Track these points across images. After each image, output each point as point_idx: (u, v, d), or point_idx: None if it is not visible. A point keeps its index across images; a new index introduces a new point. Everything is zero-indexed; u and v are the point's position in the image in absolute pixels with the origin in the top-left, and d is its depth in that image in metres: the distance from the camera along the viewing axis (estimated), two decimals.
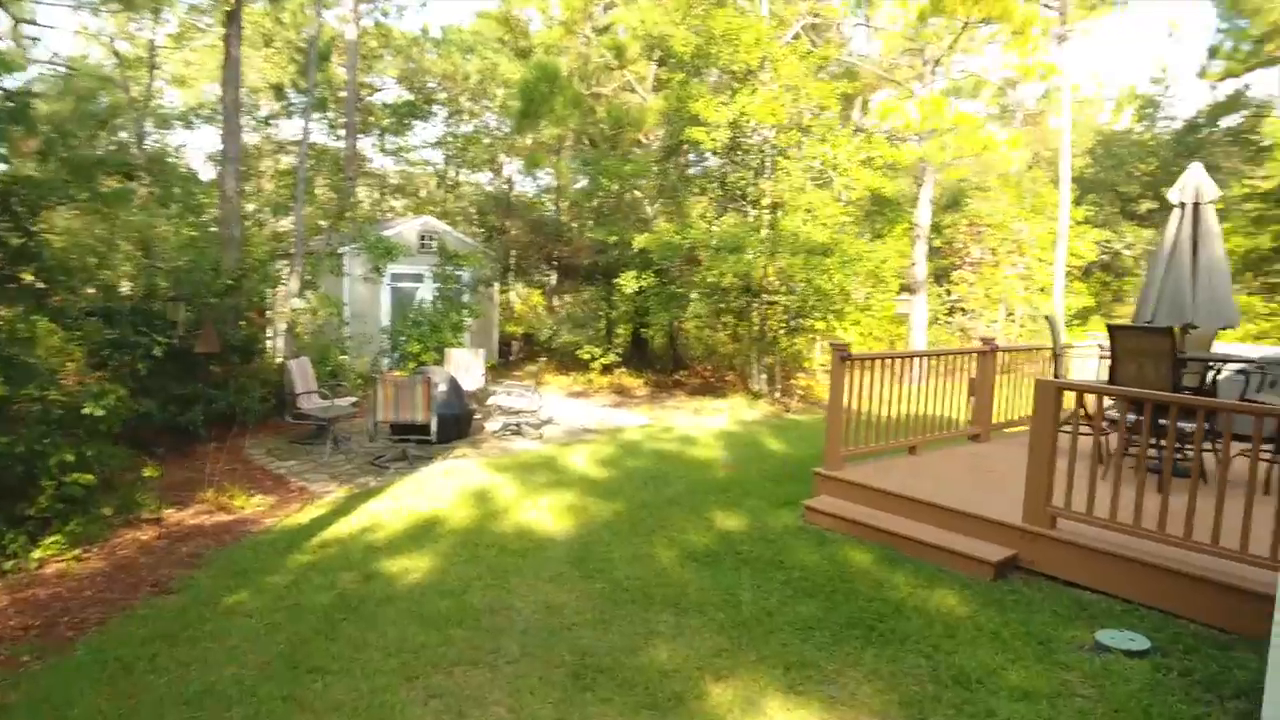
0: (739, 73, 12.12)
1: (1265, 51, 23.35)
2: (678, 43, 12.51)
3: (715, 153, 12.66)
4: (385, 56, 24.16)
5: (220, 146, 11.20)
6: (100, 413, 5.74)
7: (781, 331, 13.36)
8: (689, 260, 12.75)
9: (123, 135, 21.02)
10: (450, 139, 24.51)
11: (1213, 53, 26.41)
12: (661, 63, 14.68)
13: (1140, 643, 4.37)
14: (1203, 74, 26.36)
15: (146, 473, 6.38)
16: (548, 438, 10.58)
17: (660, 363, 17.26)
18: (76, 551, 5.57)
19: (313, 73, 11.26)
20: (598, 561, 5.72)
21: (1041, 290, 20.90)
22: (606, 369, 15.48)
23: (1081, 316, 22.62)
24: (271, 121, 22.25)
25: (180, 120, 20.26)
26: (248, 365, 10.93)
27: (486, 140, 23.83)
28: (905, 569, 5.54)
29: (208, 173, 23.56)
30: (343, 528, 6.45)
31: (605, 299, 16.14)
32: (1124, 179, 28.95)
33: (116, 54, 21.64)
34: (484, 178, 26.99)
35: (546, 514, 6.93)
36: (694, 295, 12.44)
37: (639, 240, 12.00)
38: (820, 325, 13.64)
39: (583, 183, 17.95)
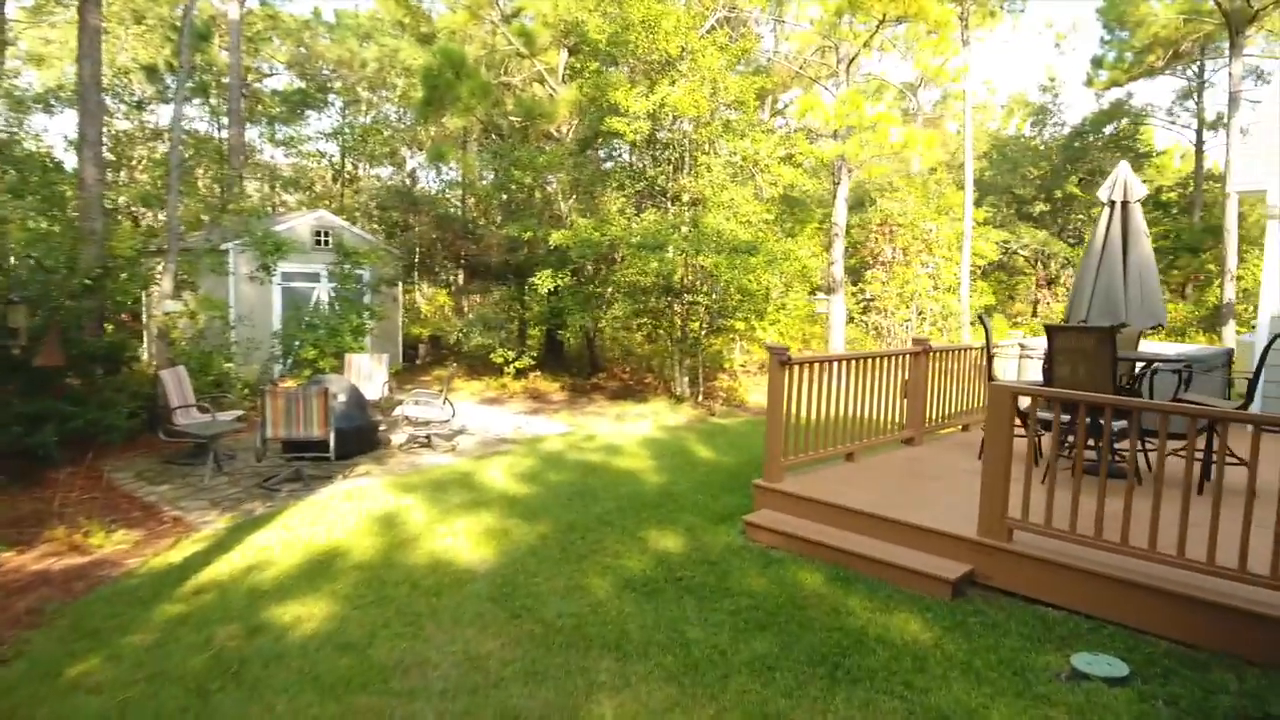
0: (657, 62, 11.60)
1: (1146, 62, 24.70)
2: (593, 29, 11.91)
3: (634, 145, 12.10)
4: (274, 40, 22.53)
5: (79, 129, 9.84)
6: None
7: (703, 333, 12.95)
8: (606, 259, 12.19)
9: None
10: (347, 130, 23.08)
11: (1097, 63, 27.88)
12: (574, 51, 14.05)
13: (1119, 668, 4.08)
14: (1089, 83, 27.73)
15: None
16: (461, 450, 9.79)
17: (577, 366, 16.62)
18: None
19: (186, 52, 10.05)
20: (525, 597, 5.06)
21: (949, 289, 21.35)
22: (520, 373, 14.72)
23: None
24: (146, 106, 20.32)
25: (38, 102, 18.20)
26: (114, 376, 9.66)
27: (387, 132, 22.55)
28: (859, 590, 5.13)
29: (73, 161, 21.39)
30: (223, 567, 5.55)
31: (518, 299, 15.37)
32: (1019, 182, 30.18)
33: None
34: (385, 172, 25.64)
35: (463, 540, 6.21)
36: (613, 295, 11.86)
37: (555, 237, 11.32)
38: (740, 325, 13.31)
39: (491, 177, 17.12)
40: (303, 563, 5.66)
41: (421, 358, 18.86)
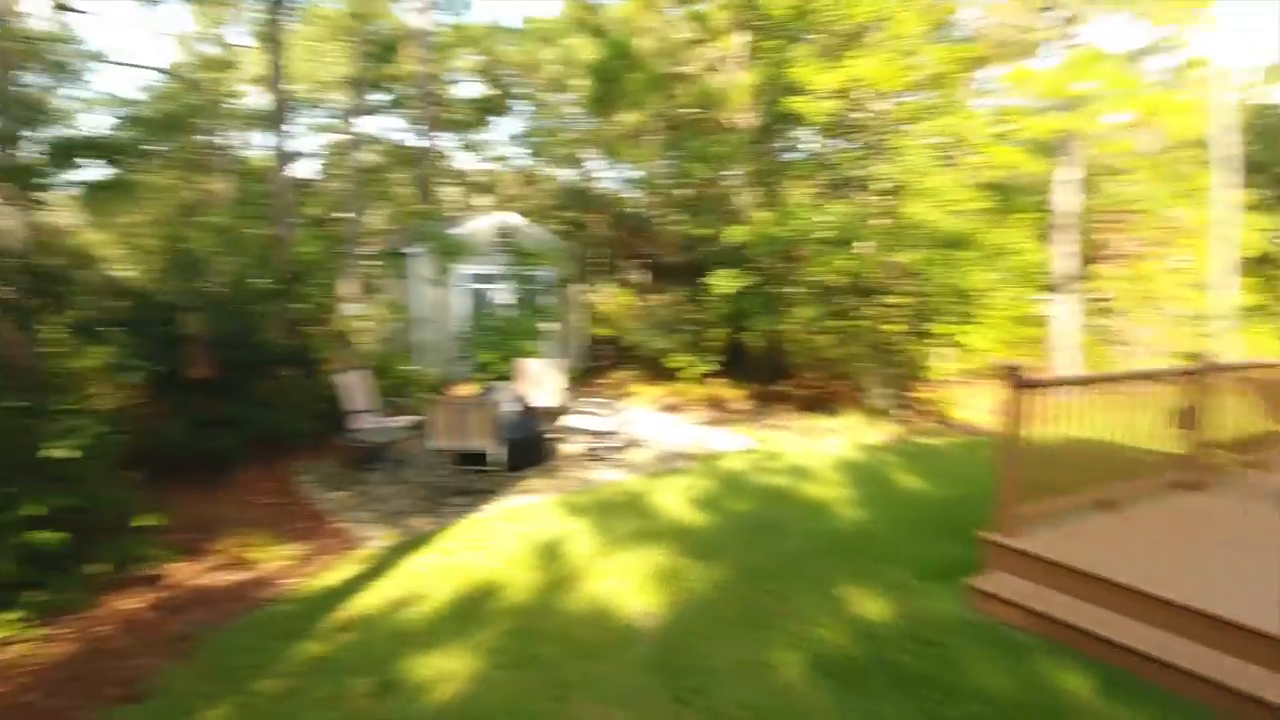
0: (845, 33, 10.23)
1: None
2: (773, 2, 10.71)
3: (820, 129, 10.83)
4: (461, 50, 23.24)
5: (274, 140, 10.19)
6: (61, 454, 4.55)
7: (905, 338, 11.44)
8: (790, 256, 11.03)
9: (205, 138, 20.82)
10: (531, 133, 23.35)
11: None
12: (753, 31, 12.89)
13: None
14: None
15: (147, 520, 5.22)
16: (633, 465, 9.08)
17: (761, 371, 15.52)
18: (45, 631, 4.39)
19: (364, 66, 10.14)
20: (694, 673, 4.16)
21: (1199, 287, 18.07)
22: (701, 378, 13.88)
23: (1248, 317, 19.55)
24: (350, 117, 21.59)
25: (252, 120, 19.81)
26: (305, 379, 9.87)
27: (567, 134, 22.57)
28: (1150, 708, 3.74)
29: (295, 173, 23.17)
30: (373, 598, 5.11)
31: (697, 300, 14.53)
32: None
33: (199, 56, 21.44)
34: (566, 173, 25.85)
35: (629, 582, 5.41)
36: (799, 296, 10.67)
37: (731, 233, 10.32)
38: (945, 330, 11.65)
39: (665, 172, 16.44)
40: (454, 599, 5.09)
41: (601, 360, 18.57)
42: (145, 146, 18.69)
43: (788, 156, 12.69)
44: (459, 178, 23.82)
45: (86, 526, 5.19)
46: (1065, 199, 13.22)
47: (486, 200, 24.44)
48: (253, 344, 8.34)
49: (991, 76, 12.48)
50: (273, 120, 10.07)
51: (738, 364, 15.79)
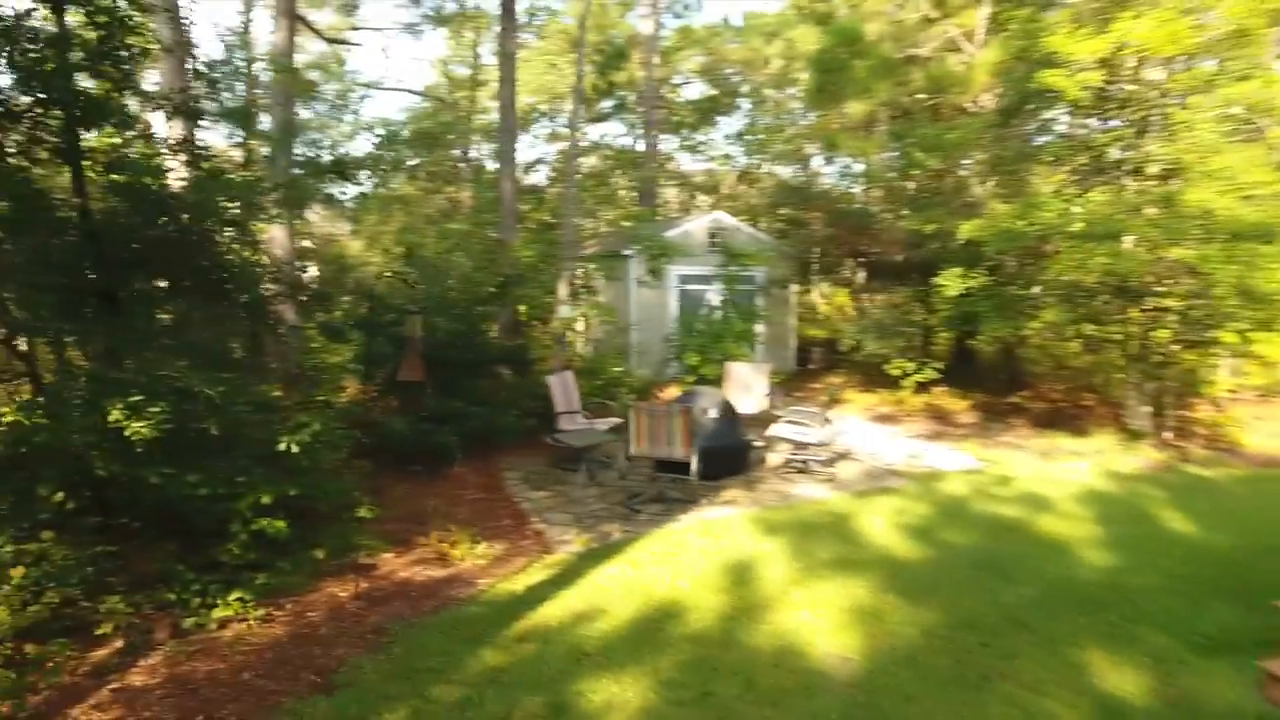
0: None
1: None
2: None
3: (1077, 105, 9.36)
4: (684, 52, 23.44)
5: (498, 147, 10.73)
6: (295, 449, 4.94)
7: (1177, 347, 9.69)
8: (1032, 253, 9.73)
9: (454, 152, 22.80)
10: (751, 131, 23.04)
11: None
12: (996, 1, 11.51)
13: None
14: None
15: (364, 513, 5.59)
16: (840, 481, 8.46)
17: (992, 380, 14.05)
18: (262, 612, 4.81)
19: (582, 71, 10.37)
20: None
21: None
22: (921, 387, 12.81)
23: None
24: (577, 127, 22.64)
25: (492, 133, 21.32)
26: (520, 378, 10.32)
27: (789, 129, 21.98)
28: None
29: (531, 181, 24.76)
30: (556, 609, 5.06)
31: (921, 301, 13.42)
32: None
33: (448, 77, 23.49)
34: (788, 170, 25.22)
35: (823, 618, 4.93)
36: (1042, 297, 9.35)
37: (965, 228, 9.25)
38: (1231, 339, 9.72)
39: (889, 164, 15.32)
40: (636, 618, 4.91)
41: (814, 362, 17.84)
42: (404, 162, 20.84)
43: (1034, 141, 11.19)
44: (679, 179, 24.09)
45: (310, 514, 5.65)
46: None
47: (706, 201, 24.49)
48: (474, 344, 8.80)
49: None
50: (501, 130, 10.61)
51: (963, 372, 14.41)
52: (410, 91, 23.30)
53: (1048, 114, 10.69)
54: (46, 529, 4.37)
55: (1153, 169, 9.06)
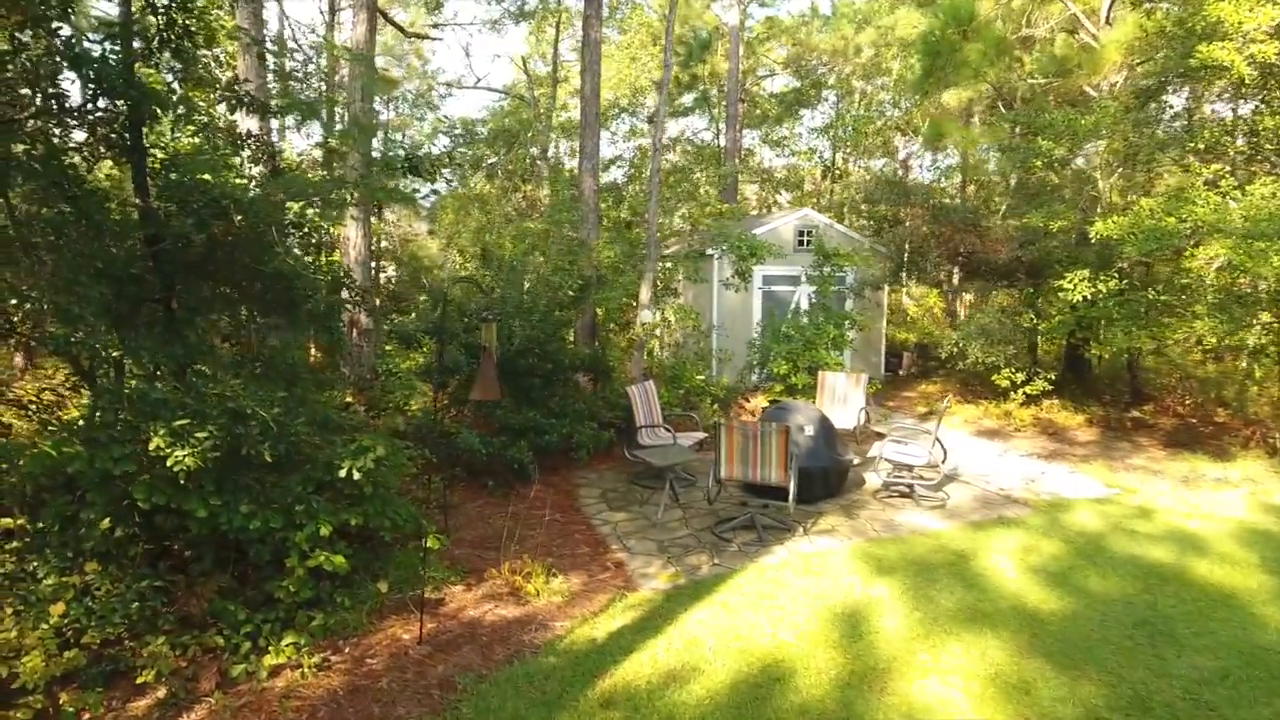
0: None
1: None
2: None
3: (1242, 84, 8.14)
4: (771, 43, 22.55)
5: (580, 142, 10.21)
6: (357, 474, 4.46)
7: None
8: (1177, 253, 8.59)
9: (533, 150, 22.50)
10: (839, 123, 21.98)
11: None
12: None
13: None
14: None
15: (431, 543, 5.09)
16: (951, 509, 7.60)
17: (1107, 393, 12.81)
18: (318, 658, 4.33)
19: (669, 62, 9.72)
20: None
21: None
22: (1029, 399, 11.71)
23: None
24: (656, 121, 22.04)
25: (572, 130, 20.89)
26: (598, 387, 9.77)
27: (878, 121, 20.84)
28: None
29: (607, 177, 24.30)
30: (646, 663, 4.45)
31: (1030, 305, 12.28)
32: None
33: (528, 74, 23.19)
34: (877, 164, 24.02)
35: (958, 689, 4.17)
36: (1184, 304, 8.22)
37: (1101, 226, 8.18)
38: None
39: (998, 157, 14.12)
40: (736, 681, 4.26)
41: (906, 368, 16.78)
42: (482, 161, 20.64)
43: (1172, 127, 9.94)
44: (762, 175, 23.24)
45: (372, 541, 5.19)
46: None
47: (787, 198, 23.55)
48: (552, 351, 8.28)
49: None
50: (583, 124, 10.08)
51: (1073, 383, 13.18)
52: (490, 89, 23.11)
53: (1187, 97, 9.44)
54: (92, 560, 4.00)
55: None
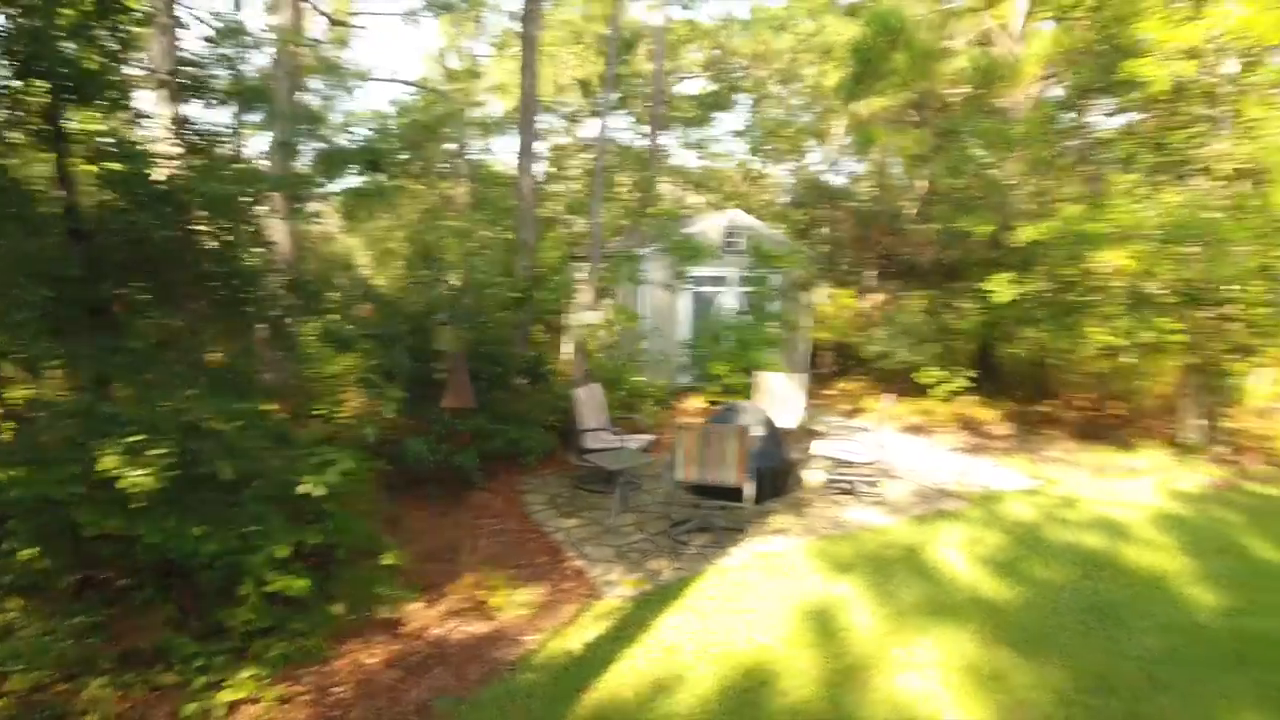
0: None
1: None
2: None
3: (1155, 99, 8.73)
4: (691, 46, 22.74)
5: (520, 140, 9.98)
6: (321, 490, 4.18)
7: (1234, 356, 9.15)
8: (1089, 258, 9.13)
9: (449, 146, 21.92)
10: (757, 127, 22.34)
11: None
12: None
13: None
14: None
15: (386, 560, 4.85)
16: (892, 503, 7.82)
17: (1017, 389, 13.50)
18: (279, 690, 4.03)
19: (613, 63, 9.63)
20: None
21: None
22: (948, 395, 12.23)
23: None
24: (577, 118, 21.84)
25: (495, 127, 20.50)
26: (537, 391, 9.57)
27: (797, 125, 21.32)
28: None
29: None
30: (628, 675, 4.36)
31: (949, 306, 12.83)
32: None
33: (445, 68, 22.60)
34: (790, 167, 24.57)
35: (936, 682, 4.28)
36: (1103, 304, 8.74)
37: (1030, 231, 8.63)
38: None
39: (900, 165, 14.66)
40: (723, 688, 4.23)
41: (825, 367, 17.23)
42: (399, 156, 19.92)
43: (1087, 138, 10.57)
44: (683, 176, 23.40)
45: (326, 561, 4.90)
46: None
47: (709, 199, 23.81)
48: (499, 354, 8.05)
49: None
50: (521, 123, 9.86)
51: (989, 379, 13.85)
52: (405, 83, 22.29)
53: (1107, 107, 10.04)
54: (14, 595, 3.60)
55: (1225, 168, 8.49)
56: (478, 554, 6.15)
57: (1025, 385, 13.78)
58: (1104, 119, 10.28)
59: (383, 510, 6.58)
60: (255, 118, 7.01)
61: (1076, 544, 6.62)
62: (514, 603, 5.28)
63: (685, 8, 21.15)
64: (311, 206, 9.55)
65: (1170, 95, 8.50)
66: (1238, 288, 8.03)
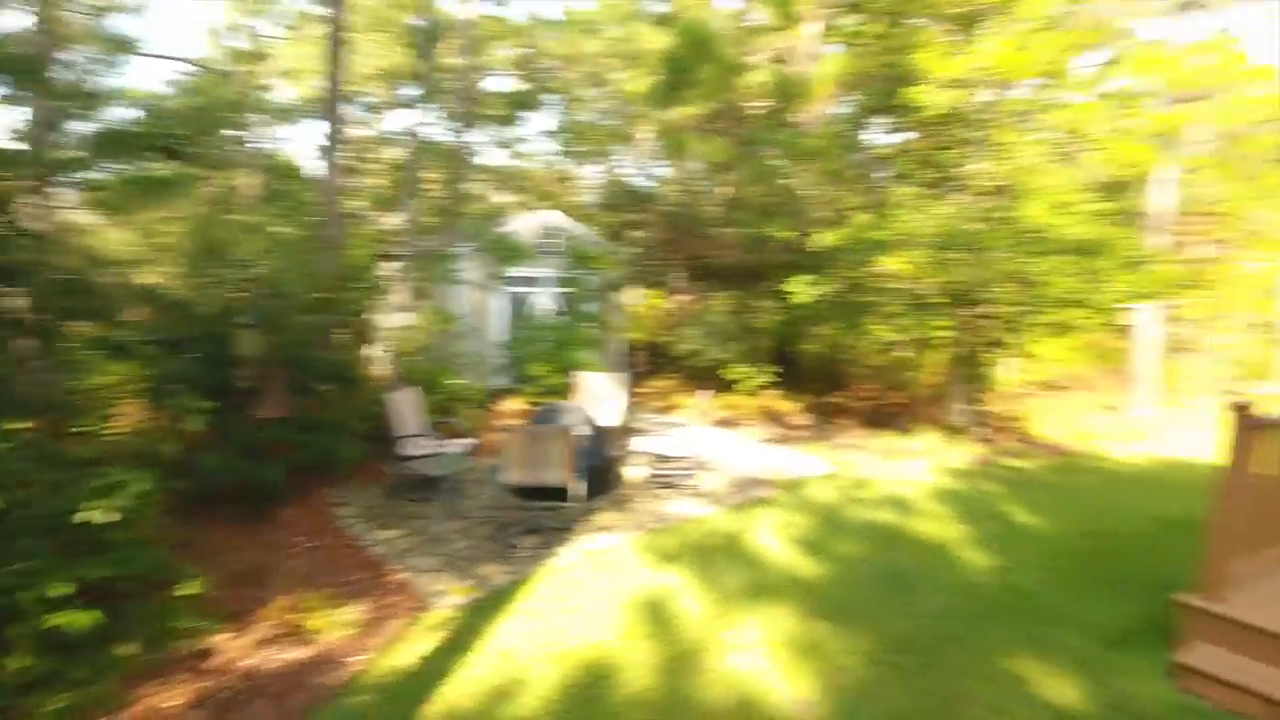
0: (964, 15, 9.23)
1: None
2: None
3: (926, 122, 9.88)
4: (500, 43, 22.45)
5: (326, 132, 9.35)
6: (108, 519, 3.69)
7: (986, 349, 10.52)
8: (875, 262, 10.12)
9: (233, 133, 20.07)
10: (568, 128, 22.46)
11: None
12: (852, 11, 11.76)
13: None
14: None
15: (185, 590, 4.37)
16: (710, 492, 8.21)
17: (813, 382, 14.62)
18: None
19: (429, 51, 9.26)
20: None
21: (1268, 293, 17.21)
22: (753, 391, 13.01)
23: None
24: (379, 111, 20.81)
25: (287, 115, 19.03)
26: (344, 396, 9.02)
27: (608, 128, 21.71)
28: None
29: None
30: (465, 683, 4.25)
31: (751, 307, 13.66)
32: None
33: (227, 49, 20.68)
34: (613, 169, 24.98)
35: (764, 658, 4.55)
36: (886, 304, 9.73)
37: (828, 237, 9.41)
38: (1022, 341, 10.77)
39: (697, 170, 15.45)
40: (565, 685, 4.23)
41: (639, 367, 17.70)
42: (178, 141, 17.91)
43: (868, 152, 11.71)
44: (494, 175, 23.04)
45: (111, 595, 4.33)
46: (1161, 198, 12.23)
47: (519, 199, 23.63)
48: (300, 359, 7.50)
49: (1090, 64, 11.41)
50: (327, 114, 9.22)
51: (787, 374, 14.91)
52: (185, 60, 20.08)
53: (887, 126, 11.19)
54: None
55: (985, 185, 9.77)
56: (289, 574, 5.70)
57: (819, 379, 14.95)
58: (885, 136, 11.50)
59: (173, 534, 5.92)
60: (4, 90, 6.00)
61: (872, 520, 7.30)
62: (335, 623, 4.96)
63: (498, 4, 20.89)
64: (70, 196, 8.40)
65: (940, 119, 9.67)
66: (997, 290, 9.26)
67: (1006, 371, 14.51)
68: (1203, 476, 8.92)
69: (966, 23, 9.31)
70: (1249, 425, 4.23)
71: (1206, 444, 11.28)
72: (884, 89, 10.11)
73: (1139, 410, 13.31)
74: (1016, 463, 10.05)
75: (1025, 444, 11.01)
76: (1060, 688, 4.22)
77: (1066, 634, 4.86)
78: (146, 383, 6.75)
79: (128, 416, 7.82)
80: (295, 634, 4.79)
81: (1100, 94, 10.07)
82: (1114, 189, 12.18)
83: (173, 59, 18.32)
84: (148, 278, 10.91)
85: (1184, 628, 4.50)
